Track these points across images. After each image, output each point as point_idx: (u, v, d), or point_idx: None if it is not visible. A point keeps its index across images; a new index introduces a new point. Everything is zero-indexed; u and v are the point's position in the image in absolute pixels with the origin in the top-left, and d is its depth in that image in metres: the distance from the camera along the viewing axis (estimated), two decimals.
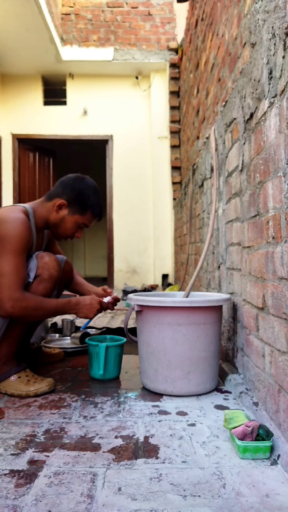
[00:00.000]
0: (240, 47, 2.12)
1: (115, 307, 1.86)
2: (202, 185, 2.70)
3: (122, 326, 2.68)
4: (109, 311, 3.56)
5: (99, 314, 3.25)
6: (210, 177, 2.38)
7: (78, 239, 1.97)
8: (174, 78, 5.74)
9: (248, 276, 1.48)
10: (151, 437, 1.20)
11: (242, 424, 1.11)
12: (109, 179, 6.35)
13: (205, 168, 2.57)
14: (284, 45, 1.06)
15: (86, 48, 5.89)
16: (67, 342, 2.44)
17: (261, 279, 1.31)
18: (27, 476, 0.99)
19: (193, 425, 1.29)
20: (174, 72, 5.75)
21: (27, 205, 1.69)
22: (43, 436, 1.21)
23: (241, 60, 2.11)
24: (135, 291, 4.96)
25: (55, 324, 2.88)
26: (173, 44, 5.82)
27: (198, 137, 3.88)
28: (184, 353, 1.55)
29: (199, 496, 0.91)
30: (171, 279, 5.94)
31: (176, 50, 5.80)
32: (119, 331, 2.68)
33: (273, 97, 1.17)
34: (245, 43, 2.02)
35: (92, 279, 8.37)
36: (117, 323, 2.88)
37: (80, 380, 1.78)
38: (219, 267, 2.07)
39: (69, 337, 2.48)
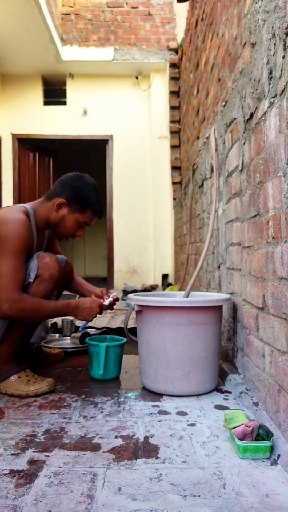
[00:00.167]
0: (240, 47, 2.12)
1: (115, 307, 1.85)
2: (202, 185, 2.70)
3: (122, 326, 2.68)
4: (109, 310, 3.56)
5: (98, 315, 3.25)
6: (210, 177, 2.38)
7: (78, 239, 1.97)
8: (174, 78, 5.74)
9: (248, 276, 1.48)
10: (151, 437, 1.20)
11: (242, 424, 1.11)
12: (109, 179, 6.35)
13: (205, 168, 2.57)
14: (284, 45, 1.06)
15: (86, 48, 5.89)
16: (67, 342, 2.44)
17: (261, 279, 1.31)
18: (27, 476, 0.99)
19: (193, 425, 1.29)
20: (174, 72, 5.75)
21: (27, 205, 1.69)
22: (43, 436, 1.21)
23: (241, 60, 2.11)
24: (135, 291, 4.96)
25: (55, 324, 2.88)
26: (173, 44, 5.82)
27: (198, 137, 3.88)
28: (184, 353, 1.55)
29: (199, 496, 0.91)
30: (171, 279, 5.94)
31: (176, 50, 5.80)
32: (119, 331, 2.68)
33: (273, 97, 1.17)
34: (245, 43, 2.02)
35: (92, 279, 8.37)
36: (117, 323, 2.88)
37: (80, 380, 1.78)
38: (219, 267, 2.07)
39: (69, 337, 2.48)
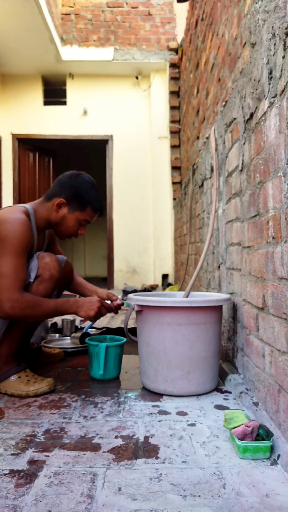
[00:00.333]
0: (240, 47, 2.12)
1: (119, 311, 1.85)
2: (202, 185, 2.70)
3: (122, 326, 2.67)
4: None
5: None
6: (210, 177, 2.38)
7: (78, 239, 1.97)
8: (174, 78, 5.74)
9: (248, 276, 1.48)
10: (151, 437, 1.20)
11: (242, 424, 1.11)
12: (109, 179, 6.35)
13: (205, 168, 2.57)
14: (284, 45, 1.06)
15: (86, 48, 5.89)
16: (67, 342, 2.44)
17: (261, 279, 1.31)
18: (27, 476, 0.99)
19: (193, 425, 1.29)
20: (174, 72, 5.75)
21: (28, 206, 1.69)
22: (43, 436, 1.21)
23: (241, 60, 2.11)
24: (135, 291, 4.96)
25: (55, 324, 2.88)
26: (173, 44, 5.82)
27: (198, 137, 3.88)
28: (184, 353, 1.55)
29: (199, 496, 0.91)
30: (171, 279, 5.94)
31: (176, 50, 5.80)
32: (119, 331, 2.68)
33: (273, 97, 1.17)
34: (245, 43, 2.02)
35: (92, 279, 8.37)
36: (117, 323, 2.88)
37: (80, 380, 1.78)
38: (219, 267, 2.07)
39: (69, 337, 2.48)
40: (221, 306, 1.66)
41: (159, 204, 6.15)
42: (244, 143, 1.54)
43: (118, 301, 1.80)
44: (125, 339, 1.87)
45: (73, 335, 2.35)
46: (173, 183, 5.75)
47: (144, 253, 6.31)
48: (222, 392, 1.61)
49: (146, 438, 1.20)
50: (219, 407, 1.45)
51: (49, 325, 2.80)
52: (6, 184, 6.20)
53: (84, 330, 2.08)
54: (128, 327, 2.36)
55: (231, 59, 2.35)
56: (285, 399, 1.07)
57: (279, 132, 1.12)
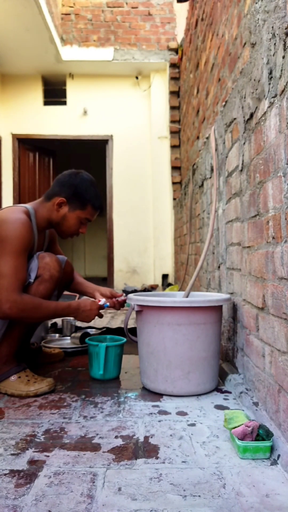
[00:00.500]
0: (240, 47, 2.12)
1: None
2: (202, 185, 2.70)
3: (122, 326, 2.68)
4: (109, 311, 3.56)
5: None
6: (210, 177, 2.38)
7: (78, 239, 1.97)
8: (174, 78, 5.74)
9: (248, 276, 1.48)
10: (151, 437, 1.20)
11: (242, 424, 1.11)
12: (109, 179, 6.35)
13: (205, 168, 2.57)
14: (284, 45, 1.06)
15: (86, 48, 5.89)
16: (67, 342, 2.44)
17: (261, 279, 1.31)
18: (27, 476, 0.99)
19: (193, 425, 1.29)
20: (174, 72, 5.75)
21: (28, 206, 1.69)
22: (43, 436, 1.21)
23: (241, 60, 2.11)
24: (135, 291, 4.96)
25: (55, 324, 2.88)
26: (173, 44, 5.82)
27: (198, 137, 3.88)
28: (184, 353, 1.55)
29: (199, 496, 0.91)
30: (171, 279, 5.94)
31: (176, 50, 5.79)
32: (119, 331, 2.68)
33: (273, 97, 1.17)
34: (245, 43, 2.02)
35: (92, 279, 8.36)
36: (117, 323, 2.88)
37: (80, 380, 1.78)
38: (219, 267, 2.07)
39: (69, 337, 2.48)
40: (221, 306, 1.66)
41: (159, 204, 6.15)
42: (244, 143, 1.54)
43: (123, 297, 1.82)
44: (125, 339, 1.87)
45: (73, 335, 2.35)
46: (173, 183, 5.75)
47: (144, 253, 6.31)
48: (222, 392, 1.61)
49: (146, 438, 1.20)
50: (219, 407, 1.45)
51: (49, 325, 2.80)
52: (6, 184, 6.20)
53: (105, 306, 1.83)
54: (128, 327, 2.35)
55: (231, 59, 2.35)
56: (285, 399, 1.07)
57: (279, 132, 1.12)
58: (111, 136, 6.32)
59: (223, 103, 1.93)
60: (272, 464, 1.04)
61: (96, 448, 1.14)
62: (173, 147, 5.74)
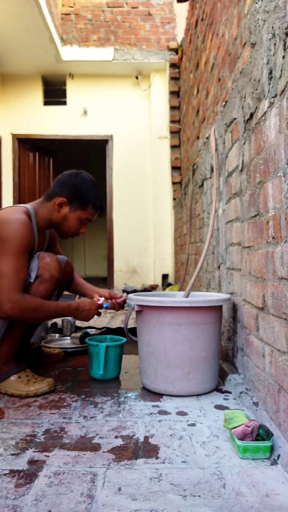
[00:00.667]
0: (240, 47, 2.12)
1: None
2: (202, 185, 2.70)
3: (122, 326, 2.68)
4: (109, 311, 3.56)
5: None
6: (210, 177, 2.38)
7: (78, 239, 1.97)
8: (174, 78, 5.74)
9: (248, 276, 1.48)
10: (151, 437, 1.20)
11: (242, 424, 1.11)
12: (109, 179, 6.35)
13: (205, 168, 2.57)
14: (284, 45, 1.06)
15: (86, 48, 5.89)
16: (67, 342, 2.44)
17: (261, 279, 1.31)
18: (27, 476, 0.99)
19: (193, 425, 1.29)
20: (174, 72, 5.75)
21: (28, 206, 1.69)
22: (43, 436, 1.21)
23: (241, 60, 2.11)
24: (135, 291, 4.96)
25: (55, 324, 2.88)
26: (173, 44, 5.82)
27: (198, 137, 3.88)
28: (184, 353, 1.55)
29: (199, 496, 0.91)
30: (171, 279, 5.94)
31: (176, 50, 5.79)
32: (119, 331, 2.68)
33: (273, 97, 1.17)
34: (245, 43, 2.02)
35: (92, 279, 8.37)
36: (117, 323, 2.88)
37: (80, 380, 1.78)
38: (219, 267, 2.07)
39: (69, 337, 2.48)
40: (221, 306, 1.66)
41: (159, 204, 6.15)
42: (244, 143, 1.54)
43: (122, 298, 1.84)
44: (125, 339, 1.87)
45: (73, 335, 2.35)
46: (173, 183, 5.75)
47: (144, 253, 6.31)
48: (222, 392, 1.61)
49: (146, 438, 1.20)
50: (219, 407, 1.45)
51: (49, 325, 2.80)
52: (6, 184, 6.20)
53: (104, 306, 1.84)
54: (128, 327, 2.36)
55: (231, 59, 2.35)
56: (285, 399, 1.07)
57: (279, 132, 1.12)
58: (111, 136, 6.32)
59: (223, 103, 1.93)
60: (272, 464, 1.04)
61: (96, 448, 1.14)
62: (173, 147, 5.74)
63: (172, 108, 5.74)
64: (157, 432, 1.24)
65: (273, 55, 1.15)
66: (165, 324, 1.55)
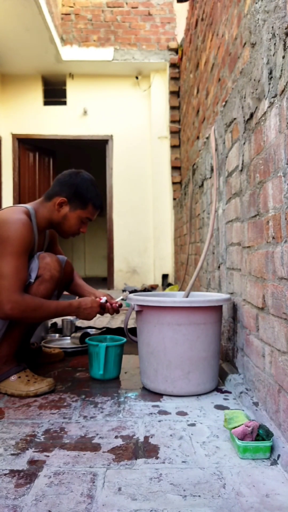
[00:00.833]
0: (240, 47, 2.12)
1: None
2: (202, 185, 2.70)
3: (122, 326, 2.68)
4: None
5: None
6: (210, 177, 2.38)
7: (78, 239, 1.97)
8: (174, 78, 5.74)
9: (248, 276, 1.48)
10: (151, 437, 1.20)
11: (242, 424, 1.11)
12: (109, 179, 6.35)
13: (205, 168, 2.57)
14: (284, 45, 1.06)
15: (86, 48, 5.89)
16: (67, 342, 2.44)
17: (261, 279, 1.31)
18: (27, 476, 0.99)
19: (193, 425, 1.29)
20: (174, 72, 5.75)
21: (29, 206, 1.69)
22: (43, 436, 1.21)
23: (241, 60, 2.11)
24: (135, 291, 4.96)
25: (55, 324, 2.88)
26: (173, 44, 5.82)
27: (198, 137, 3.88)
28: (184, 353, 1.55)
29: (199, 496, 0.91)
30: (171, 279, 5.94)
31: (176, 50, 5.80)
32: (119, 331, 2.68)
33: (273, 97, 1.17)
34: (245, 43, 2.02)
35: (92, 279, 8.37)
36: (117, 323, 2.88)
37: (80, 380, 1.78)
38: (219, 267, 2.07)
39: (69, 337, 2.48)
40: (221, 306, 1.66)
41: (159, 204, 6.15)
42: (244, 143, 1.54)
43: (117, 303, 1.82)
44: (125, 339, 1.87)
45: (73, 335, 2.35)
46: (173, 183, 5.75)
47: (144, 253, 6.31)
48: (222, 392, 1.61)
49: (146, 438, 1.20)
50: (219, 407, 1.45)
51: (49, 325, 2.80)
52: (6, 184, 6.20)
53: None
54: (128, 327, 2.36)
55: (231, 59, 2.35)
56: (285, 399, 1.07)
57: (279, 132, 1.12)
58: (111, 136, 6.32)
59: (223, 103, 1.93)
60: (272, 464, 1.04)
61: (96, 448, 1.14)
62: (173, 147, 5.74)
63: (172, 108, 5.75)
64: (157, 432, 1.24)
65: (273, 55, 1.15)
66: (165, 324, 1.55)
